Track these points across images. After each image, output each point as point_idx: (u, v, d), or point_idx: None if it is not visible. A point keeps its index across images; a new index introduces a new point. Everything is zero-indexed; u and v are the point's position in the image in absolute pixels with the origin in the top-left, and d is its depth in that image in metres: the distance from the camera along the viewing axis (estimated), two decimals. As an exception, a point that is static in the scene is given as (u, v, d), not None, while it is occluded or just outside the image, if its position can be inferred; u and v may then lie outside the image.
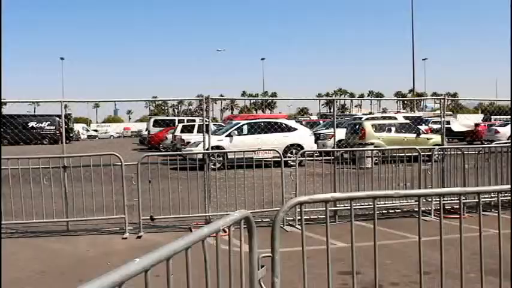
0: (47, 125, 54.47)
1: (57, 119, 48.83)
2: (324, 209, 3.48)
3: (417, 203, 6.10)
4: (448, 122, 31.72)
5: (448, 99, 12.09)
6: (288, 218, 9.09)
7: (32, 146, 39.38)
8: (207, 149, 9.94)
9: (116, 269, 1.85)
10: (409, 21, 59.66)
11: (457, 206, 9.45)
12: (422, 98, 65.75)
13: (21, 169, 9.03)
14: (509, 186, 5.32)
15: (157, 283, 2.20)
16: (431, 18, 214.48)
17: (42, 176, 9.03)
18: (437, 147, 11.05)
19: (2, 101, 10.38)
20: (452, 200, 9.73)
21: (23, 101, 10.88)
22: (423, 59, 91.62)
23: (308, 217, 8.96)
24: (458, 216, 3.91)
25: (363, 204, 9.34)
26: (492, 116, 39.86)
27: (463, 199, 4.83)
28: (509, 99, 12.58)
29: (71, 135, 52.45)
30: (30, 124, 52.03)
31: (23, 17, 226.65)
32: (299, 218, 8.75)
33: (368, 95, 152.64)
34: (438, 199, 8.47)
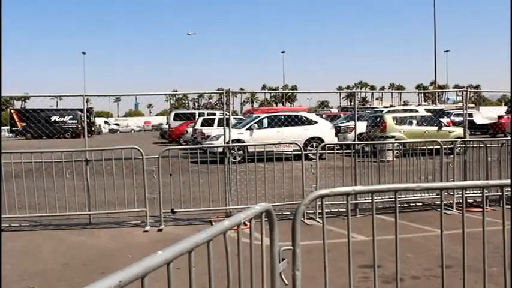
0: (69, 119, 55.17)
1: (79, 113, 49.40)
2: (345, 202, 3.47)
3: (439, 196, 6.05)
4: (471, 115, 31.37)
5: (470, 92, 11.95)
6: (308, 211, 9.09)
7: (55, 139, 39.82)
8: (228, 143, 9.96)
9: (138, 261, 1.87)
10: (431, 12, 59.03)
11: (480, 200, 9.36)
12: (444, 90, 65.17)
13: (44, 163, 9.14)
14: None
15: (178, 276, 2.22)
16: (454, 9, 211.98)
17: (65, 169, 9.13)
18: (459, 139, 10.93)
19: (26, 95, 10.52)
20: (474, 193, 9.64)
21: (45, 96, 10.99)
22: (445, 51, 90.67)
23: (328, 210, 8.95)
24: (480, 210, 3.87)
25: (383, 197, 9.29)
26: (516, 108, 39.21)
27: (486, 192, 4.79)
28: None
29: (93, 129, 52.89)
30: (53, 118, 52.79)
31: (44, 11, 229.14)
32: (319, 211, 8.75)
33: (389, 88, 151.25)
34: (460, 192, 8.41)
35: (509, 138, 11.33)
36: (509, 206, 7.60)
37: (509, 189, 7.75)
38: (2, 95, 15.59)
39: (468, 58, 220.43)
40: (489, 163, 9.97)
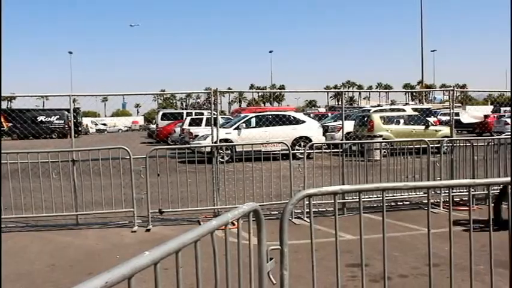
0: (56, 119, 54.74)
1: (66, 113, 49.02)
2: (333, 201, 3.48)
3: (426, 195, 6.07)
4: (457, 114, 31.57)
5: (457, 91, 12.02)
6: (296, 211, 9.10)
7: (41, 140, 39.54)
8: (215, 142, 9.95)
9: (125, 261, 1.86)
10: (418, 12, 59.31)
11: (466, 198, 9.42)
12: (431, 89, 65.53)
13: (31, 163, 9.07)
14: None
15: (166, 276, 2.21)
16: (441, 9, 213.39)
17: (52, 170, 9.07)
18: (446, 139, 10.99)
19: (12, 95, 10.45)
20: (461, 192, 9.70)
21: (32, 96, 10.90)
22: (432, 51, 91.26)
23: (316, 209, 8.97)
24: (467, 208, 3.89)
25: (371, 196, 9.33)
26: (502, 108, 39.54)
27: (472, 191, 4.82)
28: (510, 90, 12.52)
29: (80, 129, 52.56)
30: (39, 118, 52.33)
31: (31, 11, 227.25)
32: (307, 210, 8.76)
33: (376, 87, 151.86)
34: (447, 191, 8.45)
35: (499, 137, 11.39)
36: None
37: (495, 187, 7.83)
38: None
39: (455, 58, 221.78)
40: (475, 162, 10.03)
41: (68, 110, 9.93)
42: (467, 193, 8.17)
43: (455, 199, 9.58)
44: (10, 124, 50.39)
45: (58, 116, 54.38)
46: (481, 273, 4.29)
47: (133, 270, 1.86)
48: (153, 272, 2.07)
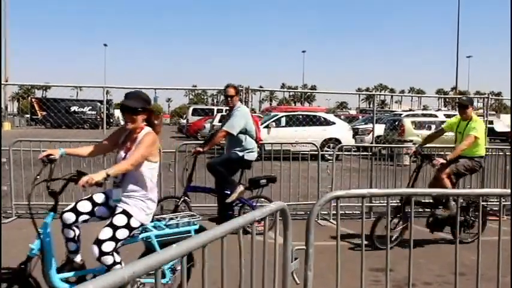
0: (89, 110, 55.63)
1: (99, 104, 49.70)
2: (360, 204, 3.48)
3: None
4: (491, 122, 31.07)
5: (491, 99, 11.83)
6: (322, 212, 9.07)
7: (74, 129, 40.14)
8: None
9: (153, 253, 1.89)
10: (455, 17, 58.41)
11: (497, 208, 9.27)
12: (465, 96, 64.58)
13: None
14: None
15: (190, 270, 2.23)
16: (478, 15, 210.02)
17: (82, 159, 9.19)
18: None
19: (47, 84, 10.72)
20: (491, 201, 9.54)
21: (66, 86, 11.09)
22: (467, 57, 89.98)
23: (342, 212, 8.93)
24: (497, 218, 3.84)
25: (398, 201, 9.25)
26: (537, 117, 38.70)
27: (503, 201, 4.73)
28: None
29: (111, 120, 53.19)
30: (73, 108, 53.21)
31: (69, 2, 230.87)
32: (334, 212, 8.74)
33: (409, 92, 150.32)
34: (477, 200, 8.33)
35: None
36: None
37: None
38: (24, 83, 15.68)
39: (491, 65, 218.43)
40: (508, 172, 9.87)
41: (101, 102, 10.06)
42: (497, 203, 8.05)
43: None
44: (44, 113, 51.36)
45: (91, 107, 55.25)
46: (508, 284, 4.22)
47: (162, 262, 1.90)
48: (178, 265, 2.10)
